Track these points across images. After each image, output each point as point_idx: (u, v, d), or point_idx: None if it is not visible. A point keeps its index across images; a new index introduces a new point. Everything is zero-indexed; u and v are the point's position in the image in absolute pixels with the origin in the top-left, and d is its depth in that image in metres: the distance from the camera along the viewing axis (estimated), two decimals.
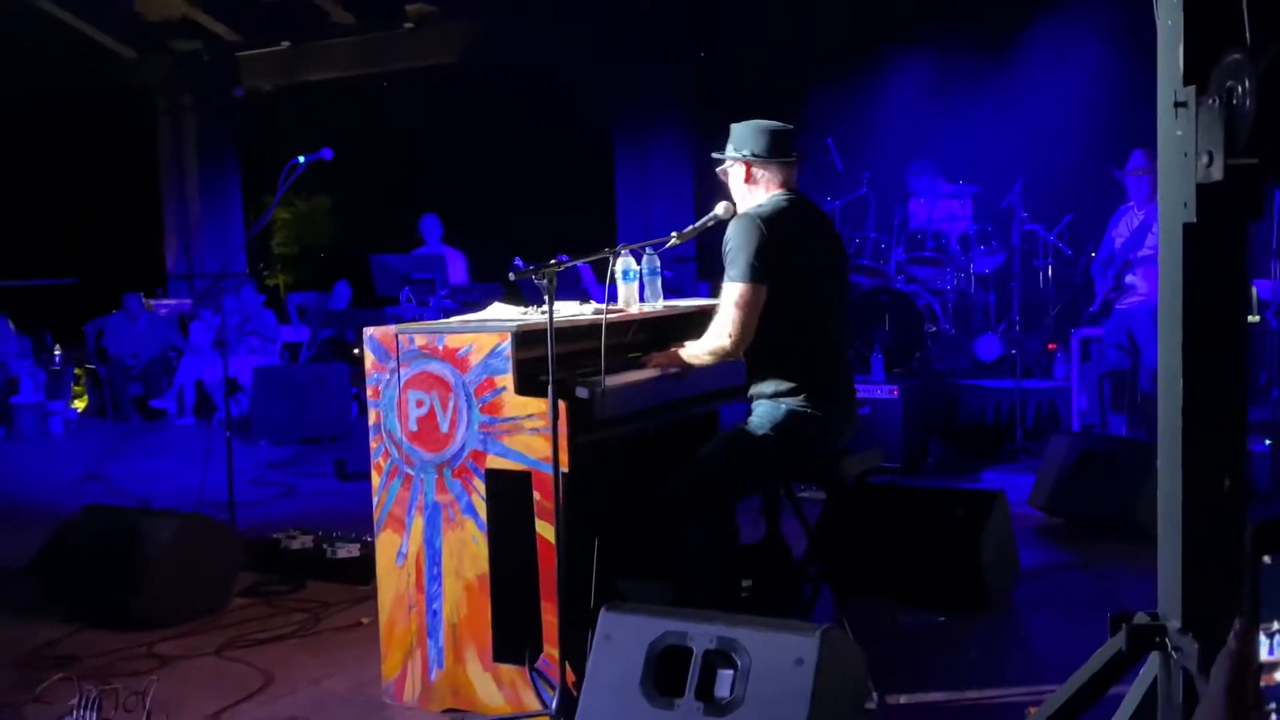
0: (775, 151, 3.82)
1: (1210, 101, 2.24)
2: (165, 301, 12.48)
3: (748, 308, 3.65)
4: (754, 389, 3.81)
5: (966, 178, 8.93)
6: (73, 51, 12.79)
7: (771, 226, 3.68)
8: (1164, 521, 2.52)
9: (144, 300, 11.64)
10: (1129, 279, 6.71)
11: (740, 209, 3.85)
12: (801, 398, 3.71)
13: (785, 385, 3.72)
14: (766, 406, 3.75)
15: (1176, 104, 2.34)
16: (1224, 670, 1.00)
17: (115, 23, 12.82)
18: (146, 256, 14.39)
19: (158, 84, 13.78)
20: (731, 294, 3.66)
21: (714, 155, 3.93)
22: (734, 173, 3.88)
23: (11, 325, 10.98)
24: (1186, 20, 2.35)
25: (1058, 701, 2.66)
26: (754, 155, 3.82)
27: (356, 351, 9.19)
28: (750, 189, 3.85)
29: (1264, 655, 1.00)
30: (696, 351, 3.82)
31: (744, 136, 3.86)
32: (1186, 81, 2.33)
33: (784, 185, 3.84)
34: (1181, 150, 2.34)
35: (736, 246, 3.66)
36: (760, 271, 3.63)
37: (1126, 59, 7.91)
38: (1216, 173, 2.23)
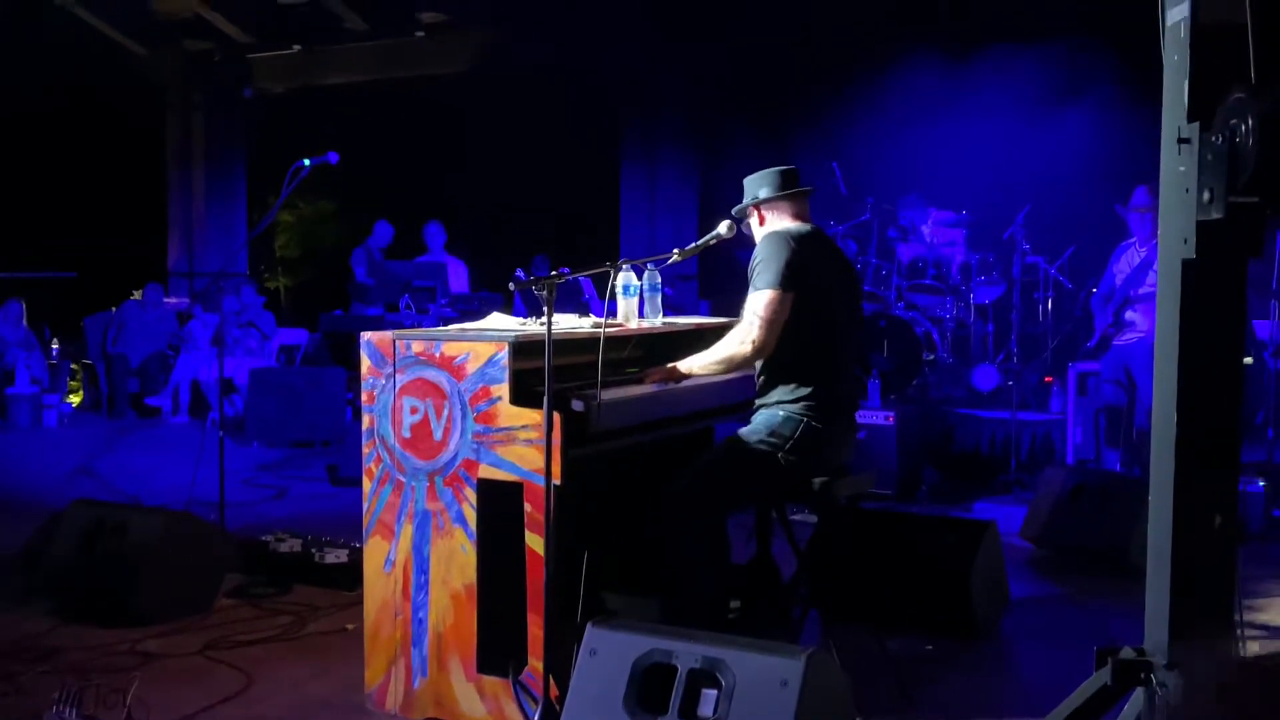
0: (781, 188, 3.93)
1: (1214, 139, 2.25)
2: (167, 300, 12.50)
3: (775, 315, 3.69)
4: (760, 403, 3.84)
5: (969, 207, 8.94)
6: (84, 46, 12.80)
7: (799, 242, 3.77)
8: (1153, 557, 2.52)
9: (163, 294, 11.68)
10: (1128, 315, 6.71)
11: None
12: (802, 406, 3.74)
13: (790, 398, 3.75)
14: (765, 414, 3.78)
15: (1180, 140, 2.34)
16: None
17: (128, 18, 12.85)
18: (148, 253, 14.37)
19: (168, 81, 13.81)
20: (759, 301, 3.70)
21: (733, 212, 3.98)
22: (753, 222, 4.00)
23: (24, 314, 10.98)
24: (1193, 57, 2.36)
25: None
26: (761, 198, 3.94)
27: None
28: (766, 230, 3.93)
29: None
30: (706, 360, 3.83)
31: (752, 185, 4.00)
32: (1191, 118, 2.34)
33: (796, 218, 3.94)
34: (1183, 186, 2.34)
35: (767, 257, 3.72)
36: (790, 280, 3.68)
37: (1134, 96, 7.93)
38: (1217, 210, 2.23)
